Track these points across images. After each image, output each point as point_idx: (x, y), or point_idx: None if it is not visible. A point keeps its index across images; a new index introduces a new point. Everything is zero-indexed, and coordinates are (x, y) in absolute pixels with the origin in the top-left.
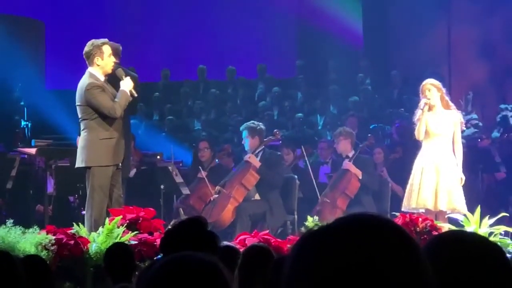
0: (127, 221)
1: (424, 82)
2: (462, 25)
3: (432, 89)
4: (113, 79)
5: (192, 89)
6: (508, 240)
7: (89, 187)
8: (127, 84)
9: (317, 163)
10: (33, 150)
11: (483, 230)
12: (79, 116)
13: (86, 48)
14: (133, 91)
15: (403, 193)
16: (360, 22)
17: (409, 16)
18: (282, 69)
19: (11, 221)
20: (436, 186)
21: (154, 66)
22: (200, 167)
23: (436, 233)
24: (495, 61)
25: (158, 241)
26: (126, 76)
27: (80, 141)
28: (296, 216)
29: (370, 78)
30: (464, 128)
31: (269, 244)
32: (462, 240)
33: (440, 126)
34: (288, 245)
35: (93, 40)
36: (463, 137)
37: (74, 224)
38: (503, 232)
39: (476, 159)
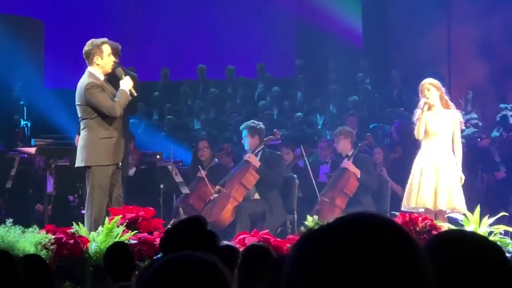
0: (127, 221)
1: (423, 82)
2: (462, 25)
3: (431, 89)
4: (112, 79)
5: (191, 89)
6: (507, 240)
7: (89, 187)
8: (126, 84)
9: (317, 162)
10: (32, 150)
11: (483, 230)
12: (79, 115)
13: (86, 48)
14: (133, 91)
15: (402, 193)
16: (360, 22)
17: (409, 16)
18: (282, 68)
19: (11, 220)
20: (436, 185)
21: (154, 66)
22: (199, 167)
23: (436, 232)
24: (495, 60)
25: (157, 241)
26: (125, 75)
27: (80, 141)
28: (295, 216)
29: (369, 77)
30: (464, 128)
31: (268, 244)
32: (461, 240)
33: (439, 125)
34: (288, 245)
35: (92, 40)
36: (463, 137)
37: (74, 223)
38: (502, 232)
39: (476, 158)
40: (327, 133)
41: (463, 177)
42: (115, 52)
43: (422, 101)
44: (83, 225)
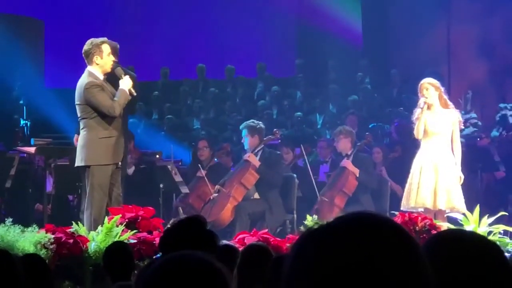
0: (126, 220)
1: (422, 81)
2: (462, 25)
3: (429, 88)
4: (112, 78)
5: (191, 88)
6: (507, 239)
7: (89, 186)
8: (126, 83)
9: (317, 162)
10: (32, 149)
11: (482, 229)
12: (78, 115)
13: (86, 47)
14: (132, 90)
15: (402, 192)
16: (359, 21)
17: (408, 15)
18: (282, 68)
19: (10, 220)
20: (435, 185)
21: (154, 65)
22: (199, 166)
23: (435, 232)
24: (495, 60)
25: (157, 240)
26: (125, 74)
27: (80, 140)
28: (295, 215)
29: (369, 77)
30: (463, 127)
31: (268, 243)
32: (461, 239)
33: (438, 125)
34: (287, 244)
35: (92, 39)
36: (462, 136)
37: (73, 223)
38: (502, 231)
39: (475, 158)
40: (326, 133)
41: (463, 177)
42: (114, 52)
43: (421, 101)
44: (83, 224)
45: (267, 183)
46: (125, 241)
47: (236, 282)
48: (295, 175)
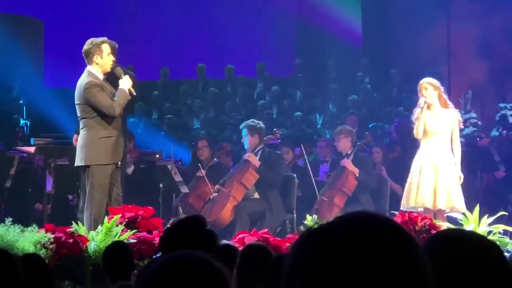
0: (126, 220)
1: (421, 81)
2: (462, 25)
3: (429, 88)
4: (111, 78)
5: (191, 88)
6: (507, 239)
7: (89, 186)
8: (125, 83)
9: (317, 161)
10: (32, 149)
11: (482, 229)
12: (78, 114)
13: (85, 47)
14: (132, 90)
15: (402, 192)
16: (359, 21)
17: (408, 15)
18: (282, 68)
19: (10, 219)
20: (435, 184)
21: (154, 65)
22: (199, 166)
23: (435, 232)
24: (495, 60)
25: (157, 240)
26: (124, 74)
27: (79, 140)
28: (295, 215)
29: (369, 77)
30: (463, 127)
31: (268, 243)
32: (460, 239)
33: (438, 124)
34: (287, 244)
35: (92, 39)
36: (462, 136)
37: (73, 222)
38: (502, 231)
39: (475, 158)
40: (326, 132)
41: (462, 176)
42: (113, 51)
43: (421, 100)
44: (83, 224)
45: (267, 182)
46: (125, 240)
47: (236, 282)
48: (295, 175)
